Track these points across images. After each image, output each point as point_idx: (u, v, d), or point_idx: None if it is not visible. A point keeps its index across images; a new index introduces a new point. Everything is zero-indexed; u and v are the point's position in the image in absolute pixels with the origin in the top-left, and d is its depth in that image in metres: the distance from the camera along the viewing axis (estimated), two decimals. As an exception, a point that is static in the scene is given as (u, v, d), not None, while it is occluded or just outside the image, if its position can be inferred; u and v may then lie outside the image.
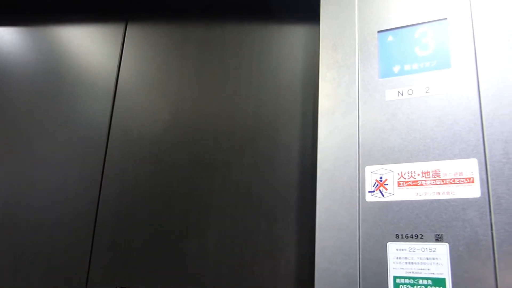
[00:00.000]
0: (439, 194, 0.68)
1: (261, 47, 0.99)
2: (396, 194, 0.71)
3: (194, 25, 1.05)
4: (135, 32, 1.08)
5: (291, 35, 0.99)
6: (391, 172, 0.72)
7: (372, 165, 0.74)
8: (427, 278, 0.65)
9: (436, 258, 0.65)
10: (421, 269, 0.66)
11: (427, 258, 0.66)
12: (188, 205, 0.91)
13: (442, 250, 0.65)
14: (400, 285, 0.66)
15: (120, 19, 1.09)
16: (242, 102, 0.96)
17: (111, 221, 0.94)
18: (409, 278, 0.66)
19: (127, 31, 1.08)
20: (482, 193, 0.65)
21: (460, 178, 0.67)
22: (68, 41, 1.11)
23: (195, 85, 1.00)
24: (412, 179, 0.70)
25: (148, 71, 1.03)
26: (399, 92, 0.76)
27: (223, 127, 0.95)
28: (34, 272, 0.94)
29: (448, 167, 0.68)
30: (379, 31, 0.81)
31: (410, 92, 0.75)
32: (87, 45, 1.09)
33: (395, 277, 0.67)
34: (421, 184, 0.69)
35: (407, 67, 0.77)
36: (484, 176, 0.66)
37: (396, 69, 0.78)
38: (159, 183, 0.94)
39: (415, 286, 0.65)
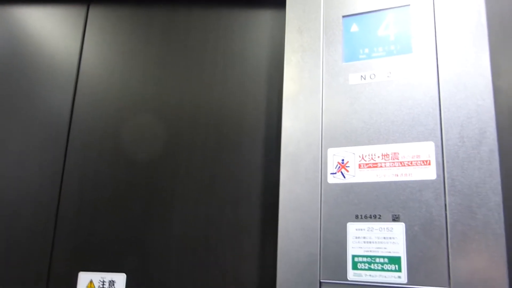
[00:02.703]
0: (397, 176, 0.69)
1: (227, 31, 0.99)
2: (357, 176, 0.72)
3: (159, 8, 1.03)
4: (97, 14, 1.05)
5: (257, 19, 0.98)
6: (353, 154, 0.73)
7: (335, 147, 0.75)
8: (383, 257, 0.67)
9: (393, 238, 0.67)
10: (378, 247, 0.67)
11: (384, 238, 0.67)
12: (151, 191, 0.91)
13: (399, 229, 0.67)
14: (358, 263, 0.68)
15: (82, 0, 1.06)
16: (207, 87, 0.95)
17: (74, 207, 0.92)
18: (367, 256, 0.68)
19: (89, 13, 1.05)
20: (438, 175, 0.67)
21: (417, 161, 0.69)
22: (26, 23, 1.07)
23: (159, 69, 0.98)
24: (372, 161, 0.72)
25: (111, 55, 1.01)
26: (362, 76, 0.77)
27: (188, 113, 0.94)
28: (-7, 259, 0.91)
29: (407, 150, 0.70)
30: (343, 16, 0.82)
31: (372, 76, 0.76)
32: (47, 27, 1.05)
33: (353, 256, 0.68)
34: (381, 166, 0.71)
35: (370, 52, 0.78)
36: (440, 159, 0.68)
37: (359, 53, 0.79)
38: (122, 169, 0.93)
39: (372, 264, 0.67)
